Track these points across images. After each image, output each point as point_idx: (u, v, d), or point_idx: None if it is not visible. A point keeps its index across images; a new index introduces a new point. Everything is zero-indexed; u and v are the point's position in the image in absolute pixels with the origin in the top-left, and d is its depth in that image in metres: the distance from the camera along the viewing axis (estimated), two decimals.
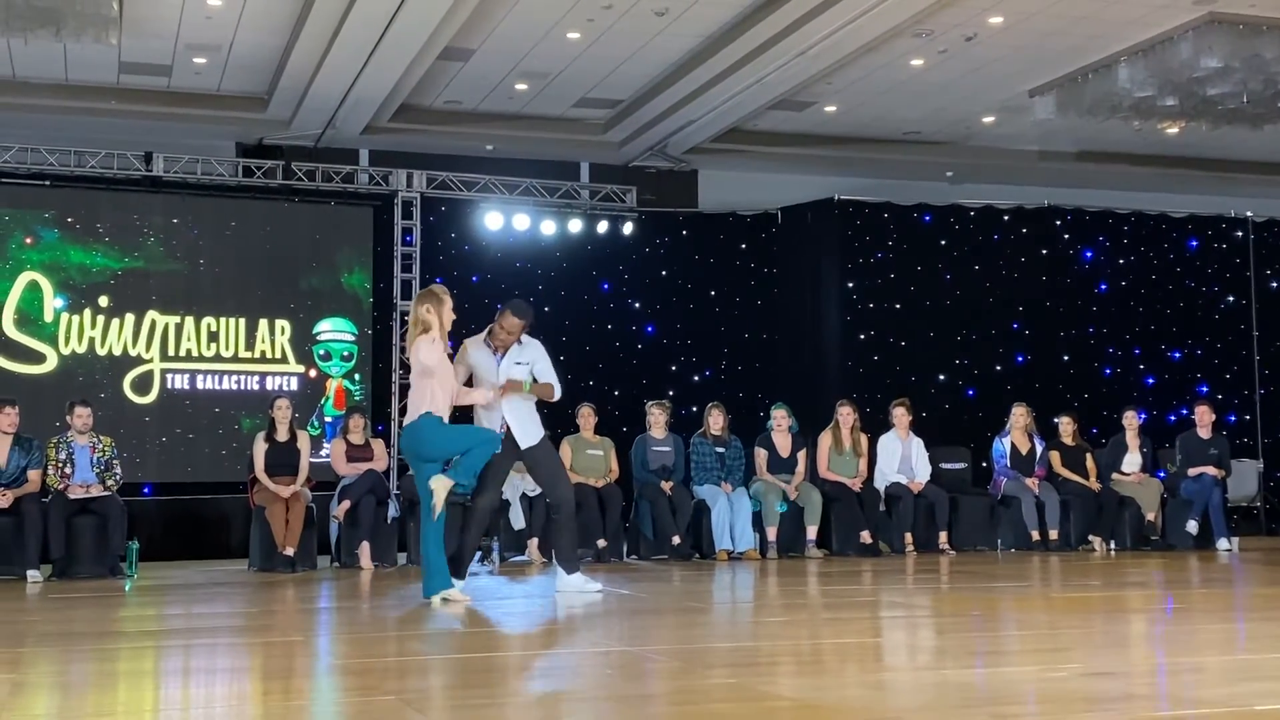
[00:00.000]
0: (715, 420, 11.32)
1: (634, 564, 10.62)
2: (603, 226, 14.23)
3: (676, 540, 10.74)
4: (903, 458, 11.69)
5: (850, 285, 14.33)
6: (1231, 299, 15.25)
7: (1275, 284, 15.37)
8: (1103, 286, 14.95)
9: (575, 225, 14.14)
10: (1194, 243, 15.28)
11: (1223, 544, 11.31)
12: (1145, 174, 15.49)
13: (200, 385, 13.09)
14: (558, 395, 7.78)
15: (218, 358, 13.13)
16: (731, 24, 11.42)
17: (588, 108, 13.66)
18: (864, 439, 11.54)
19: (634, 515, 11.15)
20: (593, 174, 14.93)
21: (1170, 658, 4.99)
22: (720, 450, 11.23)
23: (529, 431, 7.63)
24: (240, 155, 13.70)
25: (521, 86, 12.94)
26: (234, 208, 13.40)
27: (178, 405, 13.01)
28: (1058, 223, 14.90)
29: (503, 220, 13.92)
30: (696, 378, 14.45)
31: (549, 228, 14.08)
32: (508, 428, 7.56)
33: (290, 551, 9.99)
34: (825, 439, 11.52)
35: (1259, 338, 15.20)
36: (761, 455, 11.35)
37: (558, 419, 11.44)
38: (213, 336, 13.13)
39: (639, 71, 12.58)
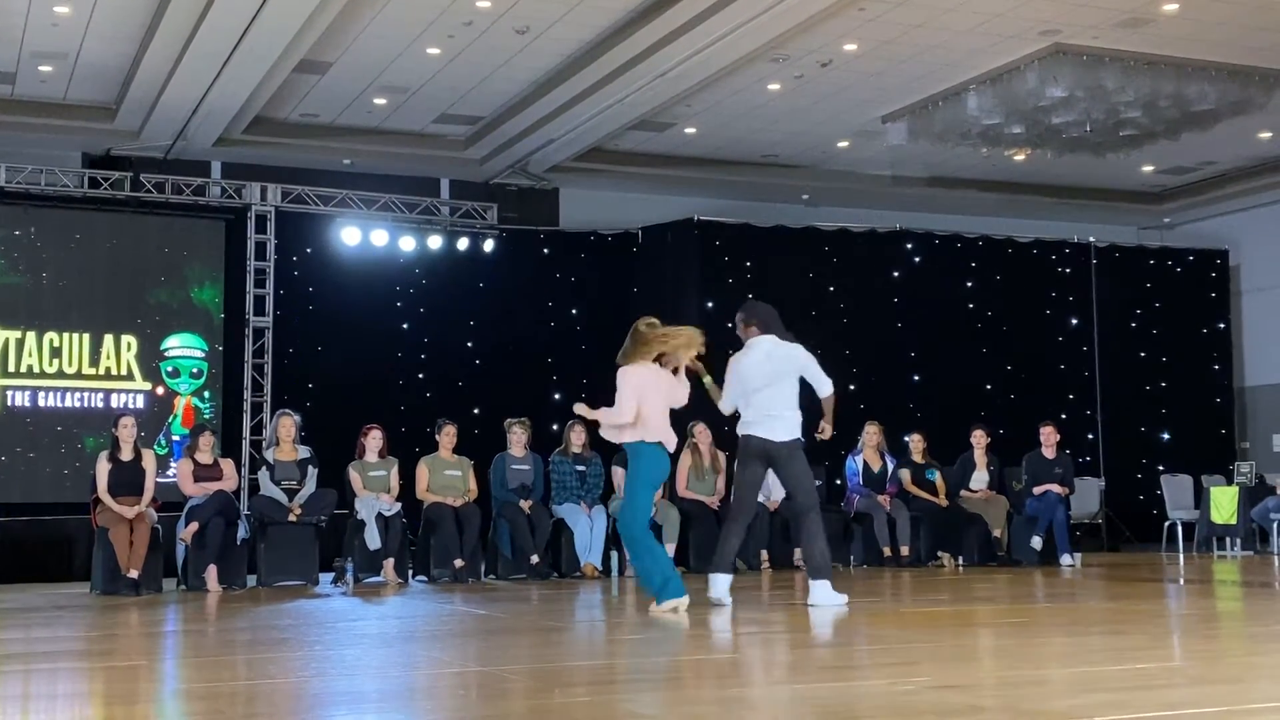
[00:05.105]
0: (576, 438, 11.32)
1: (492, 584, 10.54)
2: (463, 243, 14.12)
3: (535, 559, 10.69)
4: None
5: (710, 305, 14.44)
6: (1075, 321, 15.75)
7: (1116, 306, 15.92)
8: (952, 308, 15.32)
9: (435, 242, 14.00)
10: (1039, 266, 15.76)
11: (1066, 560, 11.66)
12: (993, 199, 15.97)
13: (42, 403, 12.69)
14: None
15: (60, 374, 12.73)
16: (592, 44, 11.46)
17: (448, 124, 13.57)
18: (721, 458, 11.63)
19: (492, 534, 11.06)
20: (453, 190, 14.82)
21: (1016, 670, 5.12)
22: (581, 468, 11.23)
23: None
24: (87, 166, 13.29)
25: (380, 101, 12.81)
26: (80, 219, 13.01)
27: (18, 423, 12.59)
28: (909, 246, 15.24)
29: (360, 235, 13.72)
30: (558, 396, 14.39)
31: (408, 244, 13.93)
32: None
33: (134, 574, 9.69)
34: (684, 458, 11.59)
35: (1100, 359, 15.73)
36: (619, 473, 11.36)
37: (420, 437, 11.31)
38: (55, 352, 12.72)
39: (500, 89, 12.54)
